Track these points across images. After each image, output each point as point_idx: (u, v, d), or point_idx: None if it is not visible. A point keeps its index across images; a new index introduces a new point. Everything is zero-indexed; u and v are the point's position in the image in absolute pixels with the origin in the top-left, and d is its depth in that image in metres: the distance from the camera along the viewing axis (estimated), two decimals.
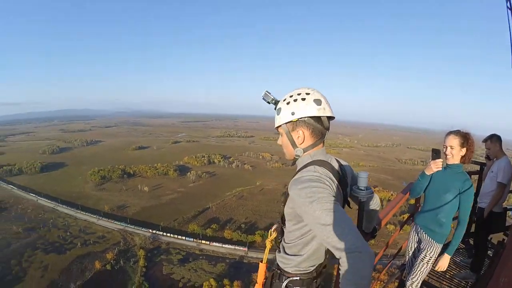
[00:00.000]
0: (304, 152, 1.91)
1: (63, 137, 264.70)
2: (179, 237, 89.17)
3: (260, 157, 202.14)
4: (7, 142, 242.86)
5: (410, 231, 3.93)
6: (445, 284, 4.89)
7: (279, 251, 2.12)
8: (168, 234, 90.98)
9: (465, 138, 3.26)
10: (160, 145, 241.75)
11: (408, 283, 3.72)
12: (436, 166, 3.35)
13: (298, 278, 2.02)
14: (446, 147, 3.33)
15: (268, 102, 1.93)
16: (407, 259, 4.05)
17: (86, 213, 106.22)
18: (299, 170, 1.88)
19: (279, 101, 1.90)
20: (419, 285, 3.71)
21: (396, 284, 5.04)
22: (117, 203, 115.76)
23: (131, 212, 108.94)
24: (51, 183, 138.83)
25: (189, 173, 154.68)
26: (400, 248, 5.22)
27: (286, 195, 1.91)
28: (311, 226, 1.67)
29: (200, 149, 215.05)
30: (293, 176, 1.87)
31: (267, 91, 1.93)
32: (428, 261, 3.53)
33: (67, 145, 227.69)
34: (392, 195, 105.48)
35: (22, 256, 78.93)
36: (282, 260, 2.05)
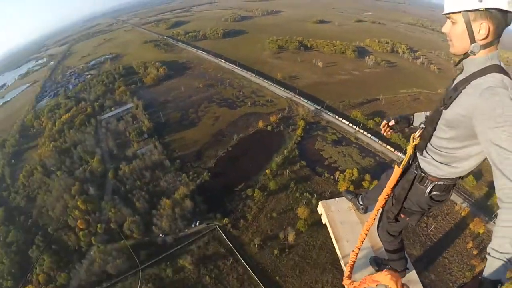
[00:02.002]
0: (480, 50, 1.76)
1: (245, 6, 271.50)
2: (340, 118, 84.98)
3: (451, 60, 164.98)
4: (192, 12, 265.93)
5: None
6: None
7: (425, 155, 2.25)
8: (331, 113, 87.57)
9: None
10: (343, 21, 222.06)
11: None
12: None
13: (442, 183, 2.20)
14: None
15: None
16: None
17: (260, 78, 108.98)
18: (476, 73, 1.79)
19: None
20: None
21: None
22: (290, 73, 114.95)
23: (301, 84, 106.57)
24: (231, 48, 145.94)
25: (367, 57, 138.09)
26: None
27: (454, 97, 1.88)
28: (488, 146, 1.53)
29: (385, 34, 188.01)
30: (466, 77, 1.83)
31: None
32: None
33: (248, 14, 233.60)
34: None
35: (199, 106, 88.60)
36: (430, 166, 2.21)
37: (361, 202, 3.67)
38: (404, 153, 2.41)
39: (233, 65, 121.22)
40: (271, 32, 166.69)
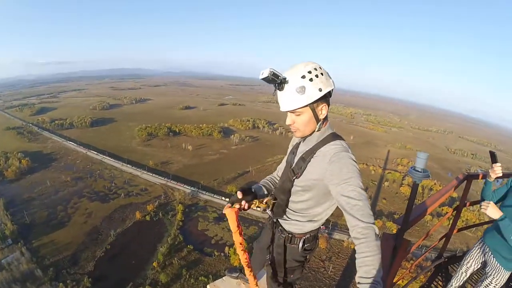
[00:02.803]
0: (321, 125, 2.00)
1: (113, 95, 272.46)
2: (217, 196, 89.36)
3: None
4: (59, 98, 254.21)
5: (474, 246, 3.55)
6: None
7: (286, 219, 2.39)
8: (207, 193, 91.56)
9: None
10: (207, 106, 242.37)
11: None
12: (494, 172, 2.96)
13: (309, 235, 2.35)
14: None
15: (275, 82, 1.82)
16: (459, 276, 3.72)
17: (132, 167, 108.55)
18: (319, 143, 2.03)
19: (287, 81, 1.81)
20: None
21: (428, 275, 4.96)
22: (161, 159, 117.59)
23: (174, 168, 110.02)
24: (100, 137, 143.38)
25: (232, 135, 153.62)
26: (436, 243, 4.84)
27: (304, 166, 2.08)
28: (339, 198, 1.78)
29: (245, 113, 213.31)
30: (311, 148, 2.05)
31: (273, 69, 1.75)
32: None
33: (116, 102, 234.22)
34: (435, 184, 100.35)
35: (68, 202, 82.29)
36: (295, 227, 2.34)
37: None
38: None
39: (102, 155, 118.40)
40: (140, 119, 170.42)
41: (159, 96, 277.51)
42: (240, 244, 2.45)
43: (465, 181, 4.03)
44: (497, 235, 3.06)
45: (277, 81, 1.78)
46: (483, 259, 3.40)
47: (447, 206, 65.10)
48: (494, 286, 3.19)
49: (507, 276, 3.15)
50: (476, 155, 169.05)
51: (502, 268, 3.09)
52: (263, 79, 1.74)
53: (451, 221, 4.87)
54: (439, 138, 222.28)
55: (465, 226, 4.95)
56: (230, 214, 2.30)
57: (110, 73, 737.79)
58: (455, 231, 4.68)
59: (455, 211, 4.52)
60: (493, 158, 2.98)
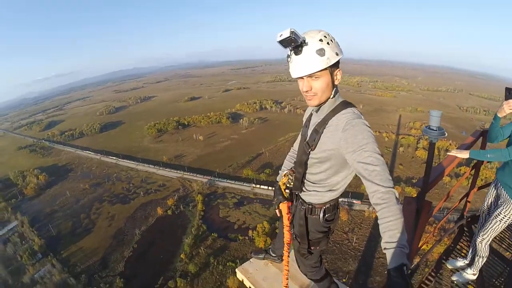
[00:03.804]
0: (336, 91, 2.03)
1: (118, 97, 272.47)
2: (234, 182, 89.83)
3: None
4: (65, 109, 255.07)
5: (491, 184, 3.74)
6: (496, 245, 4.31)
7: (305, 191, 2.40)
8: (224, 180, 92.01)
9: None
10: (212, 94, 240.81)
11: (479, 239, 3.58)
12: (509, 107, 2.95)
13: (329, 205, 2.36)
14: None
15: (293, 44, 1.77)
16: (481, 213, 3.87)
17: (146, 165, 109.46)
18: (330, 113, 2.04)
19: (307, 43, 1.78)
20: (489, 242, 3.56)
21: (452, 237, 5.03)
22: (174, 153, 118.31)
23: (188, 160, 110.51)
24: (111, 141, 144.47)
25: (241, 120, 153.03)
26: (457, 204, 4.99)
27: (318, 138, 2.10)
28: (356, 165, 1.78)
29: (251, 96, 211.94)
30: (323, 119, 2.07)
31: (294, 29, 1.70)
32: (502, 219, 3.35)
33: (122, 104, 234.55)
34: (450, 144, 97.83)
35: (90, 209, 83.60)
36: (314, 198, 2.36)
37: (273, 254, 3.78)
38: (281, 195, 2.60)
39: (116, 158, 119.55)
40: (147, 117, 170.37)
41: (163, 92, 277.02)
42: (287, 226, 2.56)
43: (481, 138, 4.00)
44: (506, 169, 3.28)
45: (297, 42, 1.73)
46: (495, 194, 3.56)
47: (464, 166, 63.75)
48: (503, 217, 3.30)
49: None
50: (488, 111, 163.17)
51: (511, 199, 3.21)
52: (281, 41, 1.69)
53: (470, 180, 4.86)
54: (450, 97, 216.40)
55: (484, 184, 4.77)
56: (283, 208, 2.54)
57: (110, 77, 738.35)
58: (475, 189, 4.63)
59: (473, 170, 4.52)
60: (507, 94, 2.92)
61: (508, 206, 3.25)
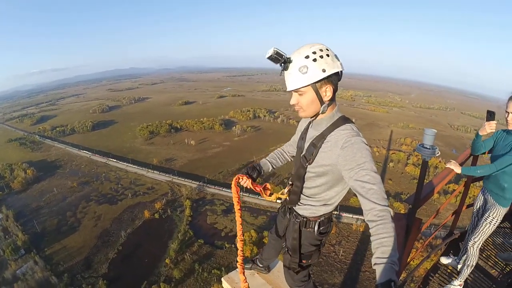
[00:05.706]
0: (327, 107, 2.02)
1: (112, 96, 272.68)
2: (224, 189, 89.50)
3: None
4: (58, 105, 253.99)
5: (479, 193, 4.00)
6: (482, 262, 4.70)
7: (300, 205, 2.42)
8: (213, 186, 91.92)
9: None
10: (206, 99, 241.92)
11: (470, 243, 3.84)
12: (490, 127, 3.35)
13: (323, 218, 2.39)
14: (508, 113, 3.20)
15: (280, 61, 1.85)
16: (472, 219, 4.10)
17: (136, 166, 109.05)
18: (328, 127, 2.05)
19: (291, 60, 1.84)
20: (480, 245, 3.81)
21: (439, 253, 5.11)
22: (165, 156, 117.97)
23: (178, 164, 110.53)
24: (102, 140, 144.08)
25: (234, 127, 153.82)
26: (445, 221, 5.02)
27: (316, 152, 2.10)
28: (353, 183, 1.78)
29: (245, 104, 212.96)
30: (322, 133, 2.08)
31: (276, 49, 1.80)
32: (491, 221, 3.64)
33: (116, 103, 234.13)
34: (440, 162, 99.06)
35: (77, 208, 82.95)
36: (309, 211, 2.38)
37: (260, 265, 3.68)
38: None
39: (106, 158, 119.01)
40: (140, 119, 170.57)
41: (157, 94, 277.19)
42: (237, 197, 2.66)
43: (471, 157, 4.18)
44: (490, 177, 3.62)
45: (280, 60, 1.81)
46: (483, 199, 3.92)
47: (453, 183, 64.92)
48: (492, 219, 3.64)
49: (502, 212, 3.59)
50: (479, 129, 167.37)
51: (497, 203, 3.58)
52: (267, 58, 1.78)
53: (458, 198, 5.17)
54: (442, 116, 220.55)
55: (473, 202, 4.76)
56: (233, 184, 2.59)
57: (106, 75, 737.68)
58: (464, 207, 4.81)
59: (463, 188, 4.68)
60: (489, 116, 3.31)
61: (495, 209, 3.59)
